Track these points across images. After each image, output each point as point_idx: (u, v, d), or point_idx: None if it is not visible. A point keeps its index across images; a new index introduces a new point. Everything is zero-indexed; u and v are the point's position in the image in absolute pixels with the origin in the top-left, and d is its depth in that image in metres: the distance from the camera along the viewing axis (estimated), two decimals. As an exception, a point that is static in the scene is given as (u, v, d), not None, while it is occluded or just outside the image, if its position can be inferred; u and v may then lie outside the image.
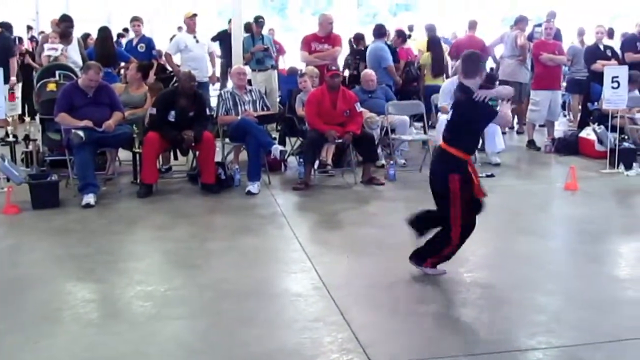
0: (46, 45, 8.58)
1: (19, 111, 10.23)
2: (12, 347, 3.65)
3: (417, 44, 11.77)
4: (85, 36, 10.90)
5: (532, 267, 4.95)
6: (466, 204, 4.46)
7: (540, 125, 10.50)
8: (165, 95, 7.37)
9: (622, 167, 8.24)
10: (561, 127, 11.54)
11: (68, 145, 6.86)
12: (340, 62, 10.31)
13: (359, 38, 10.72)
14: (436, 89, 9.57)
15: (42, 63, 8.56)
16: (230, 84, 9.12)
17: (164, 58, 10.09)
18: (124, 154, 7.97)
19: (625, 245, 5.64)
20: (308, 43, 8.96)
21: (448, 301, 4.37)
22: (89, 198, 6.61)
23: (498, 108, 4.63)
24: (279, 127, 9.02)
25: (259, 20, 10.58)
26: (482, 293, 4.43)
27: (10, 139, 8.29)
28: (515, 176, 8.40)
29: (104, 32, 9.55)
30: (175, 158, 8.10)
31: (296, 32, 10.41)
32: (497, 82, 10.73)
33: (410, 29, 14.44)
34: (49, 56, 8.45)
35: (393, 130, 8.45)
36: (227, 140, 7.80)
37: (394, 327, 3.94)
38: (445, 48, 12.14)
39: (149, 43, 9.95)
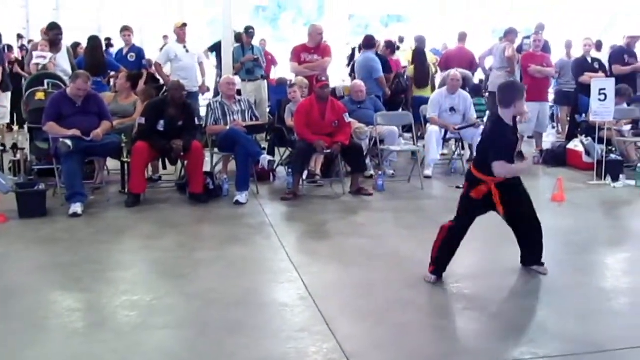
0: (35, 53, 8.57)
1: (8, 120, 10.21)
2: (-3, 356, 3.64)
3: (405, 55, 11.83)
4: (76, 45, 10.90)
5: (518, 277, 4.96)
6: (466, 206, 4.72)
7: (528, 137, 10.56)
8: (154, 104, 7.37)
9: (609, 178, 8.29)
10: (549, 139, 11.61)
11: (56, 154, 6.85)
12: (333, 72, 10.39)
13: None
14: (422, 100, 9.62)
15: (31, 72, 8.55)
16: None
17: (154, 68, 10.09)
18: (112, 163, 7.97)
19: (611, 257, 5.67)
20: (297, 54, 8.99)
21: (434, 311, 4.39)
22: (76, 207, 6.60)
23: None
24: (268, 137, 9.04)
25: (249, 31, 10.61)
26: (468, 303, 4.45)
27: (-1, 147, 8.28)
28: (502, 187, 8.41)
29: (94, 41, 9.56)
30: (164, 167, 8.10)
31: (288, 43, 10.45)
32: (487, 94, 10.88)
33: (401, 40, 14.52)
34: (38, 64, 8.44)
35: (382, 141, 8.48)
36: (215, 150, 7.81)
37: (380, 338, 3.93)
38: (436, 59, 12.24)
39: (139, 52, 9.96)
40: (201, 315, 4.24)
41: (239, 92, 9.57)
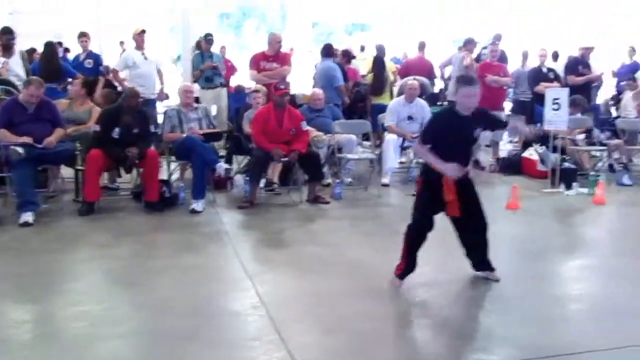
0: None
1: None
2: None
3: (365, 64, 11.91)
4: (32, 51, 10.73)
5: (472, 285, 5.01)
6: (421, 207, 4.79)
7: (486, 145, 10.68)
8: (109, 112, 7.29)
9: (562, 186, 8.43)
10: (507, 147, 11.76)
11: (7, 161, 6.73)
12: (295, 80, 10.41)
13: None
14: (380, 107, 9.68)
15: None
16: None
17: (111, 74, 9.99)
18: (67, 171, 7.85)
19: (563, 264, 5.74)
20: (257, 62, 8.98)
21: (390, 320, 4.40)
22: (27, 216, 6.49)
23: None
24: (227, 145, 9.01)
25: (208, 38, 10.56)
26: (424, 311, 4.49)
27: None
28: (459, 195, 8.49)
29: (50, 47, 9.43)
30: (119, 176, 8.02)
31: (251, 50, 10.42)
32: (445, 103, 10.99)
33: (362, 48, 14.60)
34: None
35: (340, 149, 8.51)
36: (172, 157, 7.76)
37: (332, 346, 3.93)
38: (396, 68, 12.33)
39: (96, 59, 9.85)
40: (153, 324, 4.21)
41: (198, 100, 9.55)
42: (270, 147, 7.36)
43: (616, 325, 4.23)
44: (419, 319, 4.38)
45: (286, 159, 7.51)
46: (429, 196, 4.75)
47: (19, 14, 16.55)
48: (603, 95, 13.42)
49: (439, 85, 12.59)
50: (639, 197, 8.35)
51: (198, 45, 10.83)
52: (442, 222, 4.92)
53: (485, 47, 11.29)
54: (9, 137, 6.72)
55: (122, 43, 12.97)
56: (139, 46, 9.49)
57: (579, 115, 9.55)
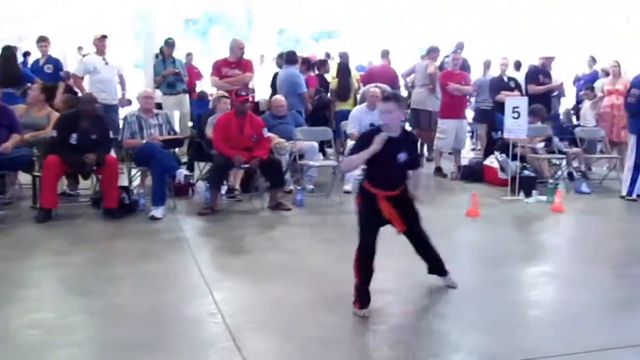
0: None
1: None
2: None
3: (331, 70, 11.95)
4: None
5: (431, 292, 5.04)
6: (366, 226, 4.60)
7: (449, 153, 10.78)
8: (66, 117, 7.21)
9: (522, 194, 8.53)
10: (469, 155, 11.88)
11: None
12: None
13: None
14: (344, 113, 9.72)
15: None
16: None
17: (71, 80, 9.88)
18: (25, 177, 7.75)
19: (523, 271, 5.78)
20: (218, 68, 8.96)
21: (345, 327, 4.38)
22: (-17, 222, 6.40)
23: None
24: (189, 152, 8.96)
25: (168, 42, 10.51)
26: (381, 319, 4.47)
27: None
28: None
29: (8, 51, 9.30)
30: (77, 182, 7.92)
31: (218, 57, 10.38)
32: (408, 110, 11.08)
33: (327, 56, 14.64)
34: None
35: (302, 156, 8.52)
36: (132, 164, 7.69)
37: (288, 353, 3.94)
38: (360, 75, 12.38)
39: (56, 64, 9.73)
40: (107, 332, 4.16)
41: (160, 106, 9.49)
42: (231, 153, 7.34)
43: (574, 332, 4.27)
44: (374, 325, 4.38)
45: (247, 165, 7.50)
46: (370, 214, 4.61)
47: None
48: (565, 104, 13.63)
49: (403, 93, 12.66)
50: (597, 204, 8.47)
51: (161, 51, 10.78)
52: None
53: (447, 56, 11.39)
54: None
55: (80, 48, 12.79)
56: (100, 51, 9.42)
57: (538, 123, 9.68)
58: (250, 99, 8.55)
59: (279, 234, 6.82)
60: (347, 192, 8.55)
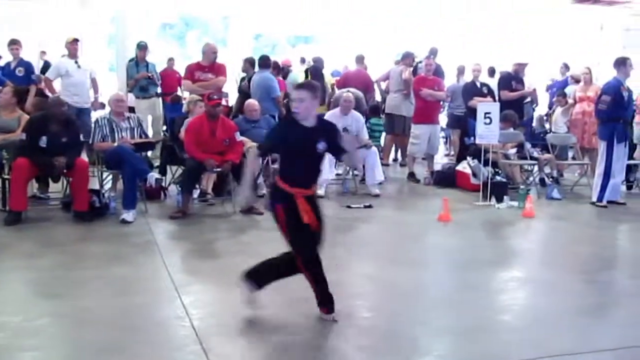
0: None
1: None
2: None
3: (302, 75, 11.96)
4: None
5: (402, 296, 5.06)
6: (301, 235, 4.34)
7: (422, 158, 10.84)
8: (35, 120, 7.16)
9: (494, 199, 8.59)
10: (443, 161, 11.96)
11: None
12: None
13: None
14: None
15: None
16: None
17: (43, 83, 9.79)
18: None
19: (493, 275, 5.80)
20: (191, 72, 8.95)
21: (314, 331, 4.37)
22: (-50, 225, 6.32)
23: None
24: (162, 155, 8.92)
25: (141, 45, 10.47)
26: (349, 322, 4.48)
27: None
28: (392, 207, 8.60)
29: (-23, 54, 9.22)
30: (47, 185, 7.85)
31: (193, 61, 10.34)
32: (383, 116, 11.14)
33: (302, 61, 14.66)
34: None
35: (274, 161, 8.50)
36: (104, 167, 7.64)
37: (254, 357, 3.95)
38: (335, 80, 12.42)
39: (28, 67, 9.63)
40: (73, 336, 4.14)
41: (132, 110, 9.45)
42: (203, 157, 7.32)
43: (543, 336, 4.30)
44: (344, 329, 4.38)
45: (220, 169, 7.48)
46: (296, 220, 4.30)
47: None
48: (538, 110, 13.75)
49: (376, 98, 12.70)
50: (568, 210, 8.54)
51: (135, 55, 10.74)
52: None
53: (421, 61, 11.47)
54: None
55: (43, 53, 12.63)
56: (72, 54, 9.35)
57: (510, 129, 9.77)
58: (224, 103, 8.53)
59: (249, 238, 6.81)
60: (320, 197, 8.54)
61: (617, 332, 4.46)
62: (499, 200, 8.57)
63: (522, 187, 8.98)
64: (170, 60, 12.93)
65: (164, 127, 10.77)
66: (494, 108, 8.83)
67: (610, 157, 8.49)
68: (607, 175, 8.53)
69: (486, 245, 6.97)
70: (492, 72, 12.88)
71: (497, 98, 10.51)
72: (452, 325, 4.51)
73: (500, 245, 7.09)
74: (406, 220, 7.87)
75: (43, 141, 6.88)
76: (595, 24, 16.08)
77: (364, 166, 8.97)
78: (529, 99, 12.07)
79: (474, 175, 9.28)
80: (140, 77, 10.14)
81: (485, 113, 8.66)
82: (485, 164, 8.92)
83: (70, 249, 6.13)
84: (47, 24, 13.45)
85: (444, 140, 13.59)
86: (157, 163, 8.62)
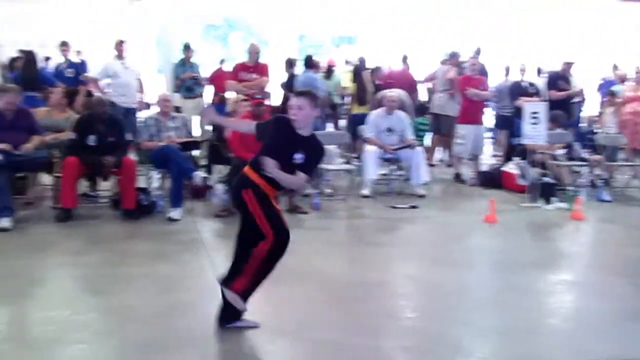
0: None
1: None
2: None
3: (346, 75, 11.96)
4: (14, 59, 10.72)
5: (446, 297, 5.01)
6: (275, 220, 4.17)
7: (468, 159, 10.72)
8: (82, 119, 7.32)
9: (541, 201, 8.45)
10: (491, 161, 11.79)
11: (-16, 168, 6.71)
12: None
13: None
14: (362, 117, 9.74)
15: None
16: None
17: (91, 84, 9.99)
18: (48, 179, 7.84)
19: (539, 278, 5.67)
20: (236, 72, 9.04)
21: (357, 331, 4.32)
22: (4, 222, 6.49)
23: None
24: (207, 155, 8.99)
25: (187, 47, 10.61)
26: (390, 322, 4.47)
27: None
28: (438, 208, 8.52)
29: (29, 56, 9.43)
30: (95, 183, 8.00)
31: (237, 62, 10.47)
32: (428, 115, 11.06)
33: (347, 61, 14.66)
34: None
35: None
36: (151, 166, 7.75)
37: (298, 356, 3.98)
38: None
39: (77, 68, 9.84)
40: (118, 332, 4.19)
41: (178, 109, 9.56)
42: (248, 156, 7.34)
43: (588, 340, 4.22)
44: (387, 329, 4.37)
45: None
46: (270, 204, 4.17)
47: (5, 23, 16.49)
48: (588, 110, 13.49)
49: (421, 98, 12.63)
50: (618, 213, 8.37)
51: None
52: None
53: (465, 61, 11.35)
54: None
55: (78, 52, 12.69)
56: (120, 56, 9.52)
57: (558, 130, 9.60)
58: (266, 103, 8.58)
59: (293, 236, 6.71)
60: (365, 197, 8.55)
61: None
62: (547, 201, 8.43)
63: (570, 188, 8.81)
64: (222, 61, 13.11)
65: (210, 127, 10.85)
66: (542, 108, 8.69)
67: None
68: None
69: (533, 247, 6.85)
70: (539, 71, 12.68)
71: (543, 98, 10.34)
72: (496, 326, 4.45)
73: (547, 247, 6.96)
74: (451, 221, 7.79)
75: (91, 140, 7.01)
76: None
77: (409, 166, 8.88)
78: (577, 99, 11.83)
79: (521, 176, 9.14)
80: (186, 78, 10.27)
81: (532, 113, 8.53)
82: (533, 164, 8.78)
83: (117, 246, 6.23)
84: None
85: (492, 140, 13.40)
86: (203, 162, 8.69)
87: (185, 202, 7.46)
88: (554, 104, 9.76)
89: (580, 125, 12.15)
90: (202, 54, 14.41)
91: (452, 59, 11.19)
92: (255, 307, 4.63)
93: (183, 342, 4.03)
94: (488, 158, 11.83)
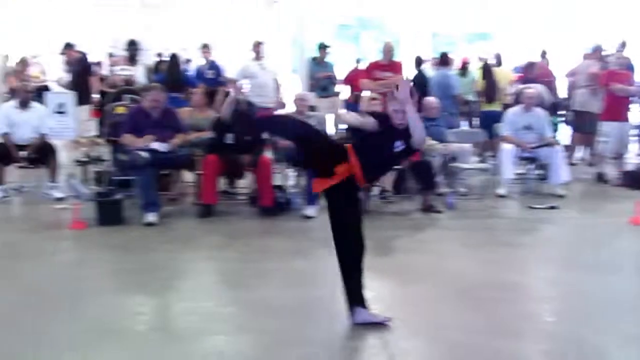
0: (116, 67, 9.00)
1: (94, 133, 10.66)
2: (56, 356, 3.85)
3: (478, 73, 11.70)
4: (159, 62, 11.31)
5: (588, 301, 4.82)
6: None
7: (613, 158, 10.19)
8: (220, 119, 7.58)
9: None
10: (635, 160, 11.16)
11: (132, 166, 7.11)
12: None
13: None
14: (491, 114, 9.57)
15: (113, 81, 8.96)
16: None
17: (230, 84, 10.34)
18: (190, 176, 8.20)
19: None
20: (370, 71, 9.08)
21: (492, 333, 4.23)
22: (150, 217, 6.84)
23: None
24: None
25: (322, 46, 10.76)
26: (534, 326, 4.34)
27: (84, 159, 8.65)
28: (579, 209, 8.15)
29: (173, 58, 9.91)
30: (233, 181, 8.28)
31: (370, 61, 10.55)
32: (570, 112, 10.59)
33: (480, 58, 14.36)
34: (119, 75, 8.86)
35: (454, 159, 8.40)
36: (288, 164, 7.93)
37: (433, 355, 3.95)
38: (517, 76, 12.01)
39: (217, 69, 10.23)
40: (256, 325, 4.31)
41: (313, 109, 9.71)
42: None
43: None
44: (526, 332, 4.24)
45: (399, 167, 7.50)
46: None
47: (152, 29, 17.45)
48: None
49: (563, 95, 12.13)
50: None
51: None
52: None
53: (610, 55, 10.80)
54: (134, 141, 7.11)
55: (188, 61, 13.02)
56: (257, 57, 9.80)
57: None
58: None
59: (427, 236, 6.77)
60: (502, 196, 8.34)
61: None
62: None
63: None
64: (358, 61, 13.25)
65: (345, 126, 10.98)
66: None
67: None
68: None
69: (684, 252, 6.44)
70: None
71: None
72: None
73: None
74: (593, 223, 7.43)
75: (229, 138, 7.26)
76: None
77: (548, 165, 8.56)
78: None
79: (671, 175, 8.59)
80: (321, 77, 10.44)
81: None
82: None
83: (255, 242, 6.43)
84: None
85: (638, 138, 12.65)
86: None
87: (320, 199, 7.56)
88: None
89: None
90: (335, 54, 14.59)
91: (595, 53, 10.68)
92: (388, 305, 4.66)
93: (319, 335, 4.10)
94: (634, 157, 11.19)
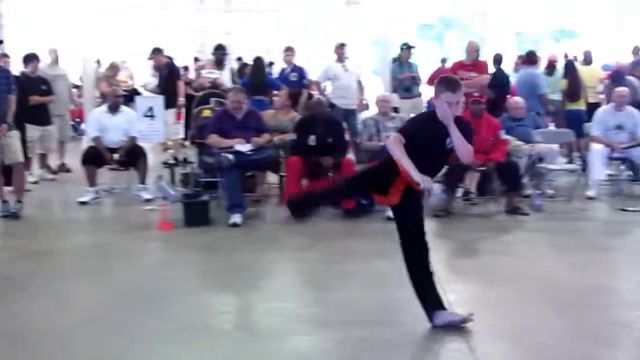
0: (203, 71, 9.22)
1: (182, 135, 10.94)
2: (146, 352, 3.96)
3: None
4: (243, 65, 11.51)
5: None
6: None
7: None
8: (302, 121, 7.69)
9: None
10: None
11: (218, 167, 7.26)
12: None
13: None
14: (575, 113, 9.40)
15: (200, 84, 9.17)
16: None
17: (313, 86, 10.42)
18: (274, 178, 8.30)
19: None
20: (454, 70, 8.94)
21: (579, 336, 4.11)
22: (236, 218, 6.95)
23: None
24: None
25: (405, 46, 10.71)
26: (628, 333, 4.18)
27: (171, 161, 8.89)
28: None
29: (257, 61, 10.05)
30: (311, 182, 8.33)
31: (453, 61, 10.44)
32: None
33: (565, 56, 13.97)
34: (207, 78, 9.08)
35: (541, 159, 8.19)
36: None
37: (519, 359, 3.85)
38: (607, 74, 11.62)
39: (300, 72, 10.33)
40: (341, 326, 4.29)
41: (396, 110, 9.67)
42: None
43: None
44: (621, 339, 4.08)
45: (484, 168, 7.39)
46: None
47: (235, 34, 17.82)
48: None
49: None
50: None
51: (398, 56, 11.01)
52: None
53: None
54: (220, 141, 7.26)
55: (271, 64, 13.03)
56: (340, 59, 9.84)
57: None
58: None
59: (512, 238, 6.64)
60: (591, 198, 8.07)
61: None
62: None
63: None
64: (443, 60, 13.13)
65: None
66: None
67: None
68: None
69: None
70: None
71: None
72: None
73: None
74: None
75: (311, 140, 7.31)
76: None
77: (638, 165, 8.24)
78: None
79: None
80: (405, 78, 10.39)
81: None
82: None
83: (337, 243, 6.45)
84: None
85: None
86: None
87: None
88: None
89: None
90: (417, 54, 14.50)
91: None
92: (473, 308, 4.57)
93: (398, 340, 4.06)
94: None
